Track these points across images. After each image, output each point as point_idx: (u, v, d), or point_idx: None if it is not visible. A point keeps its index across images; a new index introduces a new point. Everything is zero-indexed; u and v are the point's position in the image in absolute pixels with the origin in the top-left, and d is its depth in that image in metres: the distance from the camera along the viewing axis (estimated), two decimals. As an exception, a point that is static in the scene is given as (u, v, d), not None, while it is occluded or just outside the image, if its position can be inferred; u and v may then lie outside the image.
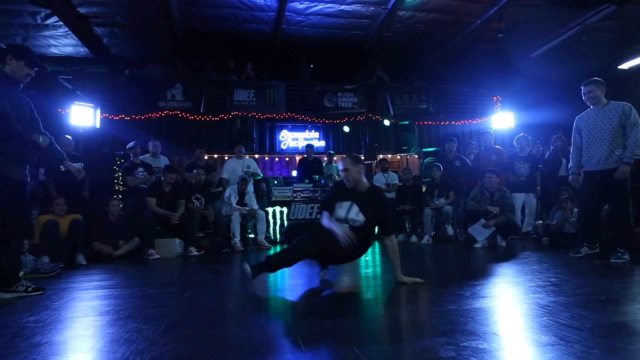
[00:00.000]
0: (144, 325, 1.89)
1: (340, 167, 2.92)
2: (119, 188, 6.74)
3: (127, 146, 5.92)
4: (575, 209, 4.75)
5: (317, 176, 6.93)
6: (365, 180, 2.91)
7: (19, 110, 2.69)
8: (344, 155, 2.97)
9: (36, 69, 2.80)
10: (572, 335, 1.57)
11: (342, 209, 2.89)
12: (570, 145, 4.04)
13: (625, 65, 8.98)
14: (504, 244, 5.06)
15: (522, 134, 6.20)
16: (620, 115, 3.55)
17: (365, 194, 2.87)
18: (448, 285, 2.75)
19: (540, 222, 6.14)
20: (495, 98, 10.09)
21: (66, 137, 5.38)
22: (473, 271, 3.50)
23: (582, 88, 3.77)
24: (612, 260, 3.44)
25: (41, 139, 2.81)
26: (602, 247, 3.88)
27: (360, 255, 2.99)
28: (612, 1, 7.54)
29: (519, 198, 5.85)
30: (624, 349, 1.44)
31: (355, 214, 2.83)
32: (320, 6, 8.46)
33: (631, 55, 8.86)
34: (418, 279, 2.78)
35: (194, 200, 5.57)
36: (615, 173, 3.55)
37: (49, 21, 8.31)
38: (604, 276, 2.92)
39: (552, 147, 6.11)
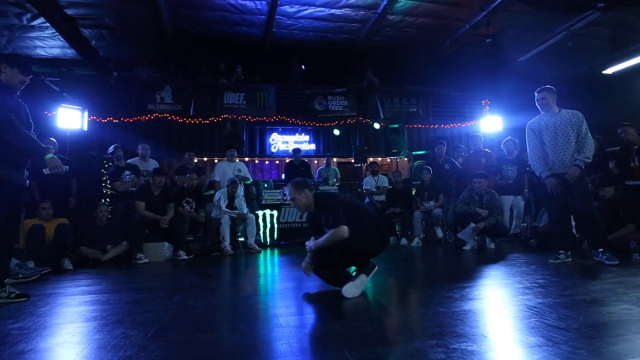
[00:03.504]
0: (132, 330, 1.87)
1: (288, 198, 2.88)
2: (107, 192, 6.65)
3: (108, 151, 5.84)
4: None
5: (310, 182, 6.94)
6: (311, 197, 2.77)
7: (18, 116, 2.72)
8: (288, 185, 2.84)
9: (30, 76, 2.83)
10: (559, 336, 1.60)
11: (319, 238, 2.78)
12: None
13: (609, 70, 9.16)
14: (492, 246, 5.12)
15: (509, 137, 6.28)
16: (575, 122, 3.76)
17: (316, 209, 2.76)
18: (437, 288, 2.77)
19: (525, 224, 6.23)
20: (483, 102, 10.22)
21: (50, 140, 5.29)
22: (462, 273, 3.53)
23: (536, 94, 3.97)
24: (606, 262, 3.44)
25: (49, 156, 2.84)
26: (579, 252, 3.94)
27: (346, 262, 2.79)
28: (597, 8, 7.72)
29: (507, 200, 5.92)
30: (609, 349, 1.46)
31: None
32: (311, 10, 8.48)
33: (615, 61, 9.03)
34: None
35: (185, 204, 5.52)
36: (569, 174, 3.71)
37: (36, 22, 8.18)
38: (590, 278, 2.97)
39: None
